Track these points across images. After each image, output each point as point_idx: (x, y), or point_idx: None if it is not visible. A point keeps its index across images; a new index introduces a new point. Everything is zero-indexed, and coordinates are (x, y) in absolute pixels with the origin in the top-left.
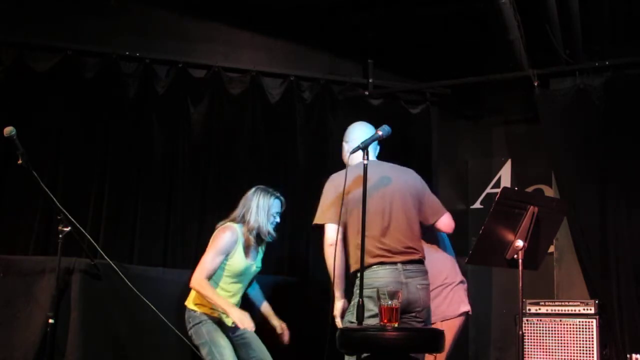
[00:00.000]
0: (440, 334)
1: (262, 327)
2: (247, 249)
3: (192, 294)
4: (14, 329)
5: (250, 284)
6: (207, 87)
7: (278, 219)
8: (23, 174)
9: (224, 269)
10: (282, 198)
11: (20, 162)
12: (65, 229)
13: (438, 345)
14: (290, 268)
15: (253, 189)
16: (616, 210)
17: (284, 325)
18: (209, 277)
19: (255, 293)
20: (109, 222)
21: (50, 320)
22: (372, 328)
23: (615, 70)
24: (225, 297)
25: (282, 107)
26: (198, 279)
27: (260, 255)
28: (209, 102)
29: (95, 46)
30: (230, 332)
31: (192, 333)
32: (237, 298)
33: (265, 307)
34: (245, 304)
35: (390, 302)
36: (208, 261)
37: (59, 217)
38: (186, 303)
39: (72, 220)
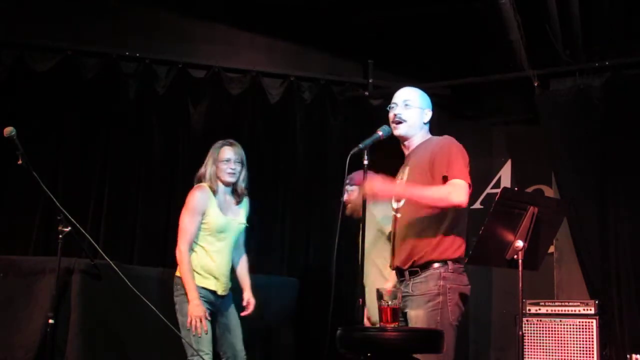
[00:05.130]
0: (440, 334)
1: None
2: (223, 204)
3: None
4: (14, 329)
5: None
6: (207, 87)
7: (234, 166)
8: (23, 174)
9: (203, 228)
10: (233, 143)
11: (20, 162)
12: (65, 229)
13: (438, 345)
14: (290, 268)
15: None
16: (616, 210)
17: (252, 300)
18: (191, 242)
19: (238, 259)
20: (109, 222)
21: (50, 320)
22: (372, 328)
23: (615, 70)
24: (208, 262)
25: (282, 107)
26: (182, 249)
27: (244, 211)
28: (209, 102)
29: (95, 46)
30: (219, 314)
31: (177, 302)
32: (224, 256)
33: (242, 272)
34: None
35: (390, 302)
36: (186, 226)
37: (59, 217)
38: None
39: (72, 220)
